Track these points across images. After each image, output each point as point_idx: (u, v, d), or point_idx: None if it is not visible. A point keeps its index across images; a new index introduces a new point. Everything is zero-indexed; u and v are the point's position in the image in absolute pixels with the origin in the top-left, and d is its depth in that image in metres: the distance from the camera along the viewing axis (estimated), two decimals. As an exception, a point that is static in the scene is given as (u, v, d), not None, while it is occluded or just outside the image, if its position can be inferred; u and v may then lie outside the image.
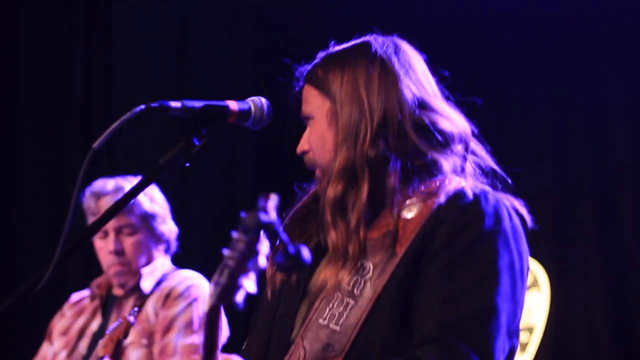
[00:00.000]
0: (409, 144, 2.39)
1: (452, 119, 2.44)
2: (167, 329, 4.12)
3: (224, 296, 1.95)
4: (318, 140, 2.45)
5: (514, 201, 2.43)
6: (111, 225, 4.18)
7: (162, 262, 4.30)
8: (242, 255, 1.91)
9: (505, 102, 5.28)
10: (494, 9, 5.25)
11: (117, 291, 4.30)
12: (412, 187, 2.38)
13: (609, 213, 5.10)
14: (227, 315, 4.19)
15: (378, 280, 2.32)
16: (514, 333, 2.33)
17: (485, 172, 2.50)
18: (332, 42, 2.52)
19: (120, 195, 4.12)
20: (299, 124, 2.53)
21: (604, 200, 5.12)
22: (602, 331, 5.05)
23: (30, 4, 5.99)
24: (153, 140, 5.56)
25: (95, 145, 2.20)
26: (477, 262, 2.30)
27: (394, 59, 2.44)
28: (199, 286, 4.20)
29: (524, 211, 2.44)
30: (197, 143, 2.32)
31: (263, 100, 2.45)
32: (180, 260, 4.37)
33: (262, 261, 1.92)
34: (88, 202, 4.25)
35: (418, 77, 2.45)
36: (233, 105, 2.40)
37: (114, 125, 2.22)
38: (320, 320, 2.35)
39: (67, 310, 4.38)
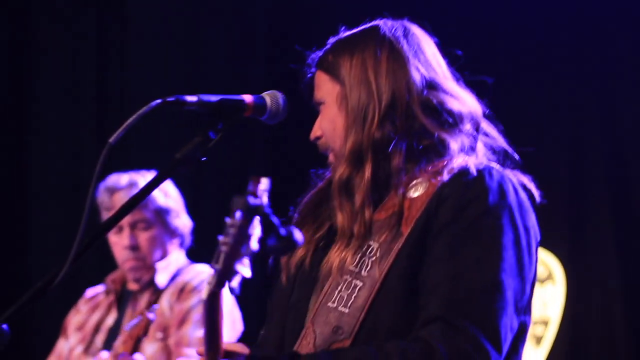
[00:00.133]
0: (416, 125, 2.39)
1: (462, 99, 2.44)
2: (182, 321, 4.12)
3: (220, 282, 1.95)
4: (329, 125, 2.46)
5: (521, 177, 2.42)
6: (126, 220, 4.18)
7: (176, 257, 4.30)
8: (234, 240, 1.91)
9: (517, 88, 5.24)
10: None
11: (132, 286, 4.30)
12: (419, 167, 2.38)
13: (626, 205, 5.07)
14: (241, 309, 4.20)
15: (384, 261, 2.32)
16: (522, 309, 2.32)
17: (497, 152, 2.49)
18: (343, 28, 2.53)
19: (134, 190, 4.13)
20: (312, 114, 2.53)
21: (621, 192, 5.09)
22: (618, 324, 5.03)
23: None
24: (166, 134, 5.55)
25: (111, 139, 2.20)
26: (480, 238, 2.29)
27: (403, 42, 2.45)
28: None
29: (532, 186, 2.43)
30: (213, 137, 2.32)
31: (279, 94, 2.45)
32: (194, 255, 4.37)
33: (254, 245, 1.91)
34: (102, 197, 4.26)
35: (427, 59, 2.45)
36: (249, 99, 2.40)
37: (130, 120, 2.21)
38: (330, 304, 2.35)
39: (83, 306, 4.39)
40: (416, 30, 2.50)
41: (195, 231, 4.37)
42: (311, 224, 2.48)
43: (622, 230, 5.07)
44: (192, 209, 4.41)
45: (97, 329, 4.28)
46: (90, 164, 5.72)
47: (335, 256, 2.38)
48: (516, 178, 2.40)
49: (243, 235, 1.91)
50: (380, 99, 2.39)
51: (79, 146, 5.91)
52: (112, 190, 4.24)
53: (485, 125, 2.49)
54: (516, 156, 2.50)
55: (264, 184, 1.96)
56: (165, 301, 4.18)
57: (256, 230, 1.91)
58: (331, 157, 2.49)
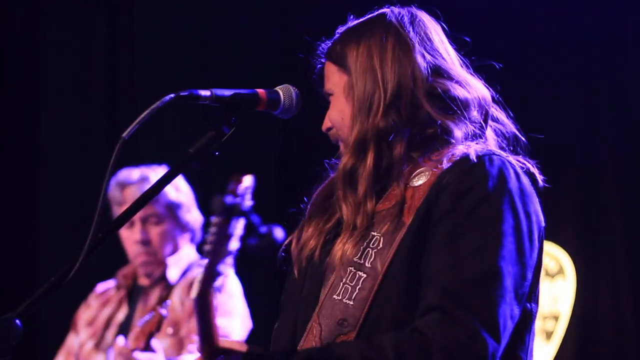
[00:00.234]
0: (421, 113, 2.38)
1: (469, 86, 2.42)
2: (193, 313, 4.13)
3: (207, 281, 1.98)
4: (338, 115, 2.45)
5: (525, 162, 2.41)
6: (137, 215, 4.15)
7: (187, 252, 4.30)
8: (215, 240, 1.92)
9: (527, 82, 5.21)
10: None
11: (143, 281, 4.30)
12: (423, 156, 2.37)
13: (637, 200, 5.05)
14: (249, 306, 4.19)
15: (386, 251, 2.30)
16: (524, 296, 2.29)
17: (507, 138, 2.47)
18: (351, 17, 2.52)
19: (145, 185, 4.13)
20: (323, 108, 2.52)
21: (631, 188, 5.07)
22: (628, 320, 5.01)
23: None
24: (177, 129, 5.55)
25: (125, 134, 2.19)
26: (480, 225, 2.27)
27: (409, 28, 2.43)
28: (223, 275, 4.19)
29: (535, 171, 2.41)
30: (226, 131, 2.31)
31: (292, 88, 2.44)
32: (205, 250, 4.36)
33: (234, 244, 1.91)
34: (113, 192, 4.25)
35: (434, 46, 2.44)
36: (262, 93, 2.39)
37: (143, 114, 2.21)
38: (335, 296, 2.34)
39: (93, 301, 4.38)
40: (424, 17, 2.48)
41: (206, 226, 4.36)
42: (322, 216, 2.47)
43: (633, 224, 5.05)
44: (203, 203, 4.40)
45: (107, 324, 4.28)
46: (101, 160, 5.74)
47: (338, 248, 2.36)
48: (519, 163, 2.38)
49: (223, 235, 1.92)
50: (386, 87, 2.38)
51: (89, 143, 5.91)
52: (124, 185, 4.24)
53: (495, 111, 2.48)
54: (525, 141, 2.47)
55: (247, 182, 1.95)
56: (176, 296, 4.18)
57: (237, 229, 1.92)
58: (342, 148, 2.47)
